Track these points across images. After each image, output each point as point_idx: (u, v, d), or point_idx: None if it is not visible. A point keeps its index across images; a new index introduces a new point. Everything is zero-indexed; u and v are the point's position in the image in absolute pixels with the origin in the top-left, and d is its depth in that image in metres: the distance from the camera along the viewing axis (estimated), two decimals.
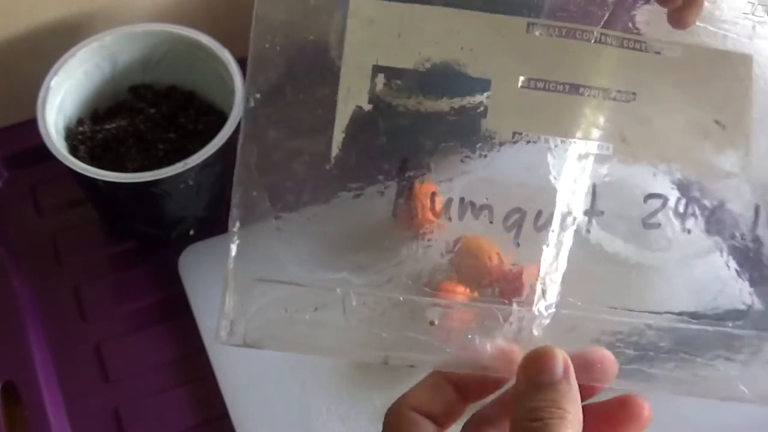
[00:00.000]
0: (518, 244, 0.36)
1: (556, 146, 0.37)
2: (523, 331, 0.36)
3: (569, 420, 0.32)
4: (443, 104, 0.37)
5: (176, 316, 0.59)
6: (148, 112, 0.62)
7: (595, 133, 0.37)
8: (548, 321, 0.36)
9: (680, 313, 0.38)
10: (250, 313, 0.36)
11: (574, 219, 0.37)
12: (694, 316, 0.38)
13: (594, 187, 0.38)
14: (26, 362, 0.56)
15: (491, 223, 0.36)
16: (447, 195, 0.36)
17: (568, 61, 0.37)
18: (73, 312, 0.60)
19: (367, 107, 0.36)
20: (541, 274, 0.36)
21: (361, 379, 0.55)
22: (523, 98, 0.36)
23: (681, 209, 0.38)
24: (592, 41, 0.37)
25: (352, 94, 0.36)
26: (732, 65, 0.38)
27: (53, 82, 0.59)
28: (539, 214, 0.37)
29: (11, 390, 0.55)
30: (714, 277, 0.39)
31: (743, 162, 0.38)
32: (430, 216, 0.36)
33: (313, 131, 0.36)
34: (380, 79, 0.36)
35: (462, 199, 0.36)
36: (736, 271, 0.39)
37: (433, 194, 0.36)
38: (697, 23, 0.37)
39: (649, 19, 0.37)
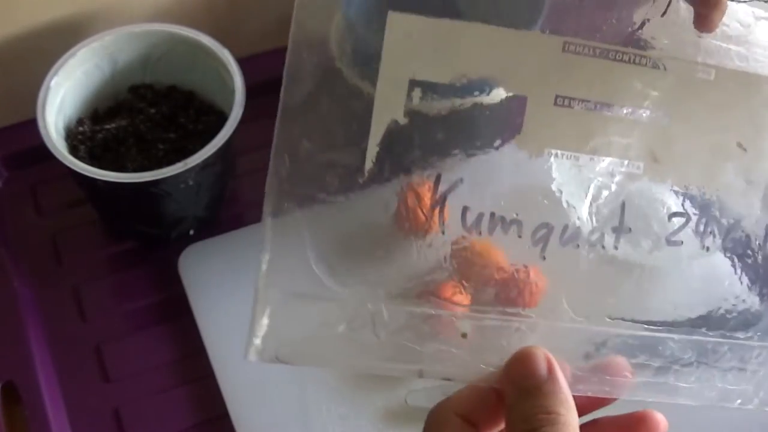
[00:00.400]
0: (544, 258, 0.37)
1: (586, 163, 0.37)
2: (548, 342, 0.36)
3: (561, 423, 0.32)
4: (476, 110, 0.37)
5: (176, 316, 0.59)
6: (148, 112, 0.62)
7: (627, 152, 0.38)
8: (570, 333, 0.37)
9: (696, 325, 0.39)
10: (282, 330, 0.36)
11: (602, 235, 0.38)
12: (709, 327, 0.39)
13: (623, 204, 0.38)
14: (26, 362, 0.56)
15: (520, 237, 0.36)
16: (478, 210, 0.36)
17: (602, 80, 0.37)
18: (73, 312, 0.60)
19: (403, 121, 0.36)
20: (563, 287, 0.37)
21: (361, 380, 0.55)
22: (556, 116, 0.37)
23: (701, 228, 0.39)
24: (627, 62, 0.37)
25: (389, 108, 0.36)
26: (761, 89, 0.38)
27: (53, 82, 0.59)
28: (565, 228, 0.37)
29: (11, 390, 0.55)
30: (728, 292, 0.40)
31: (759, 183, 0.39)
32: (463, 231, 0.36)
33: (347, 144, 0.36)
34: (417, 93, 0.36)
35: (492, 214, 0.36)
36: (747, 286, 0.40)
37: (465, 209, 0.36)
38: (731, 46, 0.38)
39: (682, 39, 0.38)
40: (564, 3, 0.38)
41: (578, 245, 0.37)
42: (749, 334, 0.39)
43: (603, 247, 0.38)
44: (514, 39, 0.37)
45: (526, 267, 0.37)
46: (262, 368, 0.56)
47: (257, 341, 0.36)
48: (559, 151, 0.37)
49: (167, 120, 0.62)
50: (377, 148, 0.36)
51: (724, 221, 0.39)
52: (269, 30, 0.70)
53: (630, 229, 0.38)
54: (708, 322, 0.39)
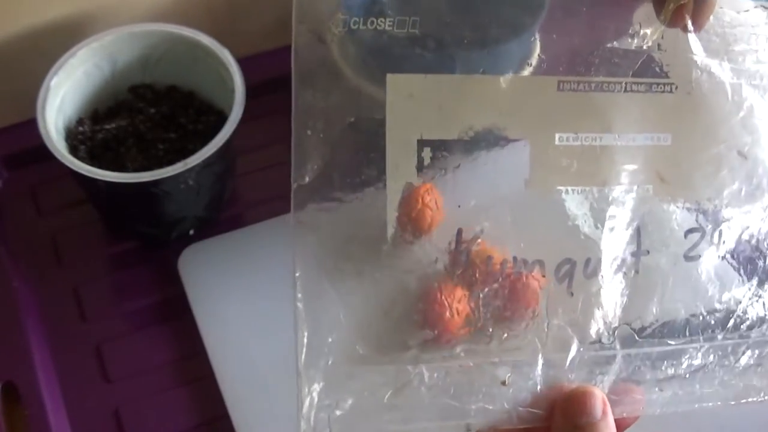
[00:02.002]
0: (572, 294, 0.37)
1: (598, 194, 0.38)
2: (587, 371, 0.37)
3: None
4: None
5: (176, 316, 0.59)
6: (148, 112, 0.62)
7: (635, 177, 0.39)
8: (604, 360, 0.38)
9: (713, 328, 0.40)
10: (330, 407, 0.37)
11: (623, 261, 0.38)
12: (726, 331, 0.40)
13: (638, 229, 0.39)
14: (26, 362, 0.56)
15: (544, 276, 0.37)
16: (501, 256, 0.37)
17: (600, 112, 0.38)
18: (73, 312, 0.60)
19: (418, 182, 0.36)
20: (592, 317, 0.38)
21: None
22: (561, 154, 0.37)
23: (715, 239, 0.39)
24: (622, 91, 0.38)
25: (401, 172, 0.36)
26: (752, 97, 0.39)
27: (53, 82, 0.59)
28: (588, 261, 0.37)
29: (11, 390, 0.55)
30: (739, 293, 0.41)
31: (763, 188, 0.40)
32: (490, 279, 0.37)
33: (365, 213, 0.37)
34: (427, 152, 0.36)
35: (515, 258, 0.37)
36: (757, 290, 0.41)
37: (489, 257, 0.37)
38: (722, 62, 0.38)
39: (675, 60, 0.38)
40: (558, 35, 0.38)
41: (602, 276, 0.37)
42: (763, 330, 0.40)
43: (624, 273, 0.38)
44: (511, 84, 0.37)
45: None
46: (262, 368, 0.56)
47: (307, 427, 0.38)
48: (569, 188, 0.37)
49: (167, 120, 0.62)
50: (396, 213, 0.36)
51: (734, 229, 0.40)
52: (269, 30, 0.70)
53: (648, 252, 0.39)
54: (724, 324, 0.40)
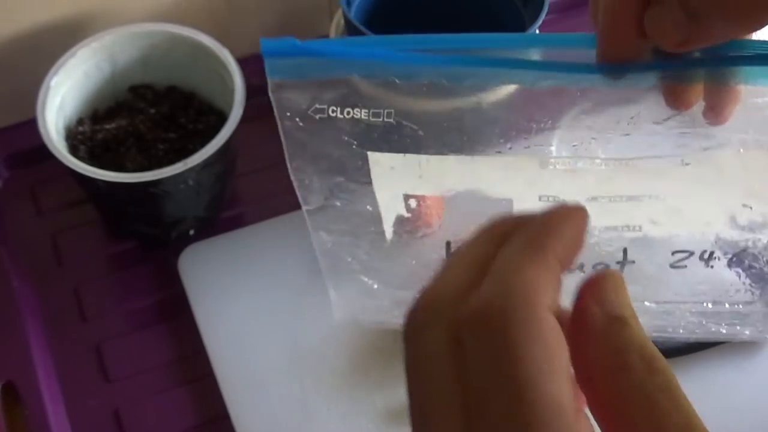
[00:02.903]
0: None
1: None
2: None
3: None
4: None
5: (176, 316, 0.59)
6: (148, 112, 0.62)
7: (622, 222, 0.40)
8: None
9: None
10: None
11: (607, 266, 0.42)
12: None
13: (625, 250, 0.41)
14: (26, 362, 0.56)
15: None
16: None
17: (583, 182, 0.39)
18: (73, 312, 0.60)
19: (408, 215, 0.41)
20: None
21: (361, 379, 0.55)
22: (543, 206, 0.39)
23: (705, 257, 0.42)
24: (603, 167, 0.39)
25: (391, 208, 0.41)
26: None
27: (53, 82, 0.59)
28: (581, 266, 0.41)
29: (11, 390, 0.55)
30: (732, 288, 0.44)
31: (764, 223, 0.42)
32: None
33: (367, 226, 0.42)
34: (412, 201, 0.41)
35: None
36: (750, 285, 0.44)
37: None
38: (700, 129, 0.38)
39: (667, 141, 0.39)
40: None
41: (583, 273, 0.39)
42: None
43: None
44: (492, 162, 0.39)
45: None
46: (262, 368, 0.56)
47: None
48: None
49: (167, 120, 0.62)
50: (392, 229, 0.42)
51: (729, 251, 0.42)
52: (269, 30, 0.70)
53: (633, 261, 0.42)
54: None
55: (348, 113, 0.36)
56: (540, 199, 0.39)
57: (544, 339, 0.25)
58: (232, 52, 0.60)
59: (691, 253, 0.42)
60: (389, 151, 0.38)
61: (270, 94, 0.37)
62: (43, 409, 0.54)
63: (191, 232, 0.62)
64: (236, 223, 0.63)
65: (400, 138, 0.38)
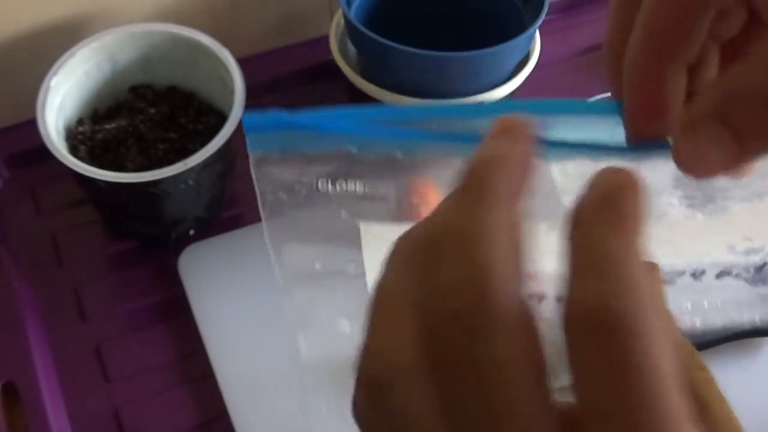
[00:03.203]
0: None
1: None
2: None
3: None
4: None
5: (176, 316, 0.59)
6: (148, 112, 0.62)
7: None
8: None
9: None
10: None
11: None
12: None
13: None
14: (26, 362, 0.56)
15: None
16: None
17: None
18: (73, 312, 0.60)
19: None
20: None
21: None
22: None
23: (696, 274, 0.43)
24: None
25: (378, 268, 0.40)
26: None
27: (53, 82, 0.59)
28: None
29: (11, 390, 0.55)
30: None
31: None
32: None
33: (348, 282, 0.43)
34: None
35: None
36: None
37: None
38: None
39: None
40: None
41: None
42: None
43: None
44: None
45: None
46: (262, 368, 0.56)
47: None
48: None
49: (167, 120, 0.62)
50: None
51: (743, 272, 0.44)
52: (269, 30, 0.70)
53: None
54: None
55: (339, 185, 0.36)
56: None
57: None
58: (232, 52, 0.60)
59: (683, 272, 0.43)
60: (382, 221, 0.39)
61: (252, 168, 0.36)
62: (43, 409, 0.54)
63: (191, 232, 0.62)
64: (236, 223, 0.63)
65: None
